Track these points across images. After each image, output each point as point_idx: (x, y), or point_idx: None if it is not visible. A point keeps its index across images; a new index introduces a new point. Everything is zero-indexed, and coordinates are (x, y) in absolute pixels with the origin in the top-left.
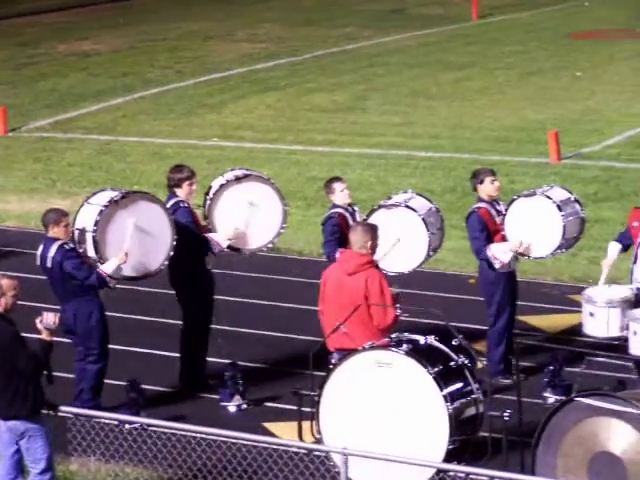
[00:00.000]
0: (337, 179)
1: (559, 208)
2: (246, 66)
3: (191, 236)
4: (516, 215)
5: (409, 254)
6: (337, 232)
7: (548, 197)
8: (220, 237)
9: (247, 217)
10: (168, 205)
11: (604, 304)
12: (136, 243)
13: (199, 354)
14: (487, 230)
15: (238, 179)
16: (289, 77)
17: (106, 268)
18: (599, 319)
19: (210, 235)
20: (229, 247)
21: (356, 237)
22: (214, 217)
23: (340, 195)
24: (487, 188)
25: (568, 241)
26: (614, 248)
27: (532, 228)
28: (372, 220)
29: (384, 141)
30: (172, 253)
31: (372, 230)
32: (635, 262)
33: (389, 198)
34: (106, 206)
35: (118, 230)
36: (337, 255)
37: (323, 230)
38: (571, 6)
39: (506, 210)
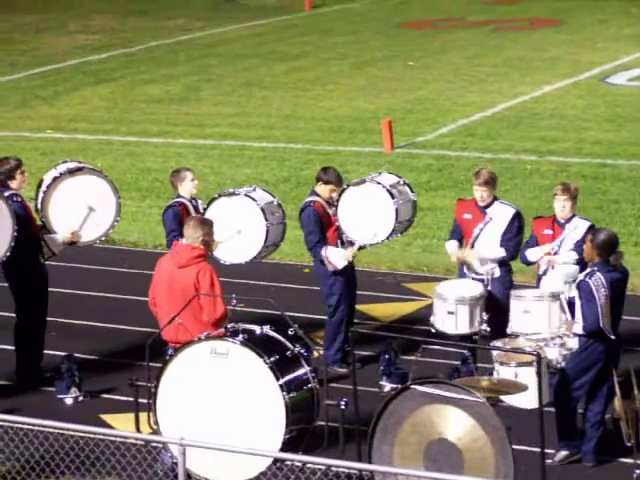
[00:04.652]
0: (187, 169)
1: (390, 192)
2: (79, 58)
3: (25, 230)
4: (348, 204)
5: (246, 244)
6: (178, 222)
7: (378, 182)
8: (57, 239)
9: (81, 213)
10: None
11: (458, 301)
12: None
13: (34, 347)
14: (321, 224)
15: (71, 172)
16: (122, 68)
17: None
18: (461, 316)
19: (48, 237)
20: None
21: (189, 231)
22: (48, 211)
23: (189, 185)
24: (321, 189)
25: (402, 224)
26: (452, 246)
27: (365, 215)
28: (212, 209)
29: (218, 132)
30: (14, 244)
31: (205, 225)
32: None
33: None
34: None
35: None
36: None
37: (163, 220)
38: None
39: (337, 201)
